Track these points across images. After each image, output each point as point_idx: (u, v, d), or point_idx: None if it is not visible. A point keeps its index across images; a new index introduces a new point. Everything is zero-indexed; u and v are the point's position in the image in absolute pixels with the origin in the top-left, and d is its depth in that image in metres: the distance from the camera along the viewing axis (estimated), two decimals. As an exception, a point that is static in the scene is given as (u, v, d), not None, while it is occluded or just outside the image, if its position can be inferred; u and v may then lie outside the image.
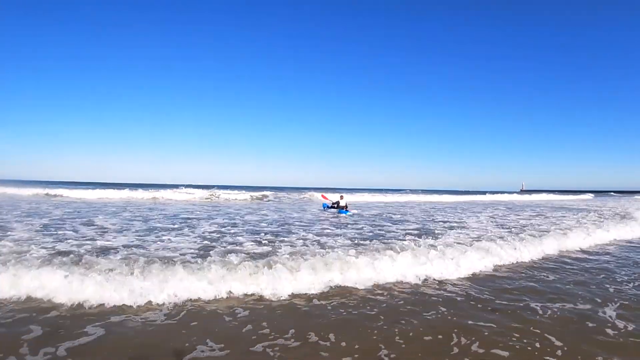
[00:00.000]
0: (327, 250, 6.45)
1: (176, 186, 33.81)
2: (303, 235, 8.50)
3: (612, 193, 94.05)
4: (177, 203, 21.20)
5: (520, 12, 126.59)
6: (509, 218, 15.10)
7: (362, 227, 10.69)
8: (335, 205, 16.26)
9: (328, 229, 10.07)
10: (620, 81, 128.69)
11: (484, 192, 63.09)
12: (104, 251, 6.19)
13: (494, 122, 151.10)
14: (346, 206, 15.92)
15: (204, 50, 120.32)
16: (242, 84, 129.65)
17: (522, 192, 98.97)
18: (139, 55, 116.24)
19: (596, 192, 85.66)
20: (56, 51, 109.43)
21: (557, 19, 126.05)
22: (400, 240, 7.93)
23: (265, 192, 30.32)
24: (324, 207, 17.19)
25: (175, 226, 9.88)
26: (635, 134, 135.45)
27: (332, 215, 14.36)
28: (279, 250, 6.53)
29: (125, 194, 26.61)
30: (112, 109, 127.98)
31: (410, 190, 69.70)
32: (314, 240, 7.76)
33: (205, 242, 7.37)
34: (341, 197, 16.64)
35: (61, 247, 6.39)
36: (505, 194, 55.61)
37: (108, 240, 7.24)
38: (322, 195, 18.54)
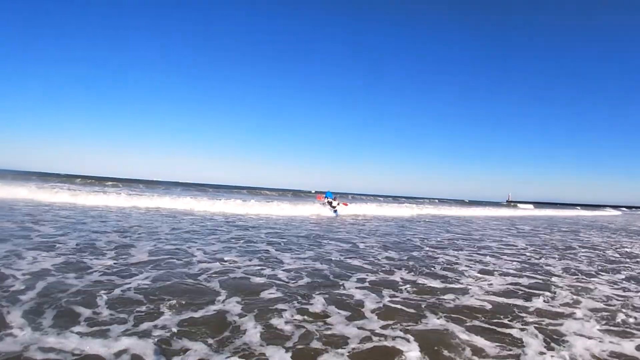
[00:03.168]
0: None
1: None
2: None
3: (623, 208, 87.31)
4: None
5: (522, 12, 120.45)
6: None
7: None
8: (330, 205, 21.07)
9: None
10: (617, 82, 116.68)
11: (462, 201, 60.31)
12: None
13: (476, 125, 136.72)
14: (337, 206, 20.79)
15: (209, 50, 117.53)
16: (241, 84, 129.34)
17: (509, 203, 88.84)
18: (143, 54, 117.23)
19: (598, 207, 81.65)
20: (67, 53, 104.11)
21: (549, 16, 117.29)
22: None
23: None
24: (321, 202, 21.77)
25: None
26: (629, 144, 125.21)
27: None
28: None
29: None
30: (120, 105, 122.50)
31: (392, 197, 65.30)
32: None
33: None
34: (334, 199, 21.48)
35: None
36: (502, 208, 50.17)
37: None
38: (318, 197, 23.01)
